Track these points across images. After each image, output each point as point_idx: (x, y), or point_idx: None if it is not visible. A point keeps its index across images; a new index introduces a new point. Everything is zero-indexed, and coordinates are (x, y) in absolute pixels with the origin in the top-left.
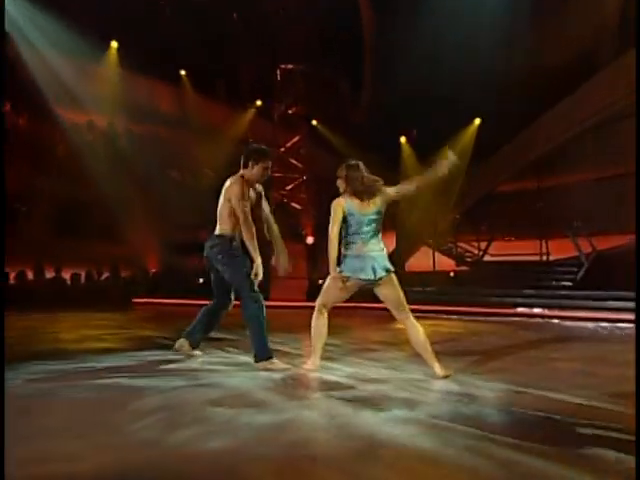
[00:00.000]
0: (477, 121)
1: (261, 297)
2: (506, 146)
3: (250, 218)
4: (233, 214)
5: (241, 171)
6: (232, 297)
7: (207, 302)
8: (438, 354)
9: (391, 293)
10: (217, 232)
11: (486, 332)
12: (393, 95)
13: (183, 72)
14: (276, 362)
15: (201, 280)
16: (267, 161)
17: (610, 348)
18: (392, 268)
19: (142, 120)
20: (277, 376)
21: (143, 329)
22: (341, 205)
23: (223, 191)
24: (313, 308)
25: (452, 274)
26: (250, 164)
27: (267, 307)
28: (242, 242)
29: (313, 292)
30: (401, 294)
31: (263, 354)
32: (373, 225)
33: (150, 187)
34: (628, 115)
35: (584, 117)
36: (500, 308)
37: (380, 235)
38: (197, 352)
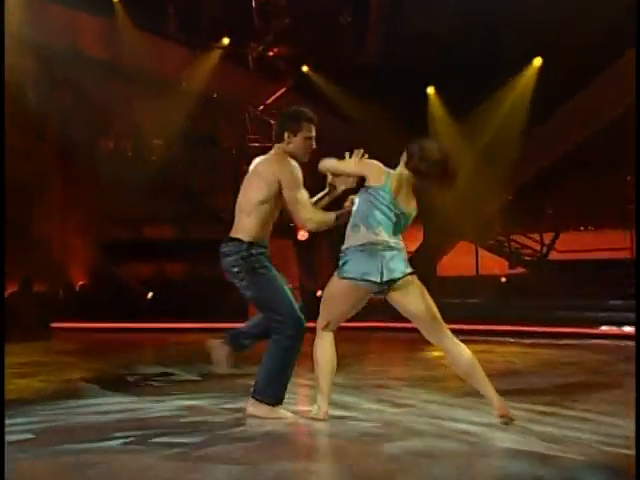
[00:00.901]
0: (538, 61)
1: (302, 323)
2: (578, 96)
3: (311, 208)
4: (270, 208)
5: (274, 148)
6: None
7: (159, 324)
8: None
9: (414, 303)
10: (233, 234)
11: (559, 361)
12: (413, 27)
13: None
14: (282, 412)
15: (150, 294)
16: (309, 127)
17: None
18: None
19: (58, 68)
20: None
21: (67, 368)
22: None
23: (253, 174)
24: (311, 330)
25: (504, 279)
26: (286, 136)
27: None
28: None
29: (307, 306)
30: (432, 305)
31: (271, 394)
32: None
33: (73, 164)
34: None
35: None
36: (576, 327)
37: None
38: (233, 370)
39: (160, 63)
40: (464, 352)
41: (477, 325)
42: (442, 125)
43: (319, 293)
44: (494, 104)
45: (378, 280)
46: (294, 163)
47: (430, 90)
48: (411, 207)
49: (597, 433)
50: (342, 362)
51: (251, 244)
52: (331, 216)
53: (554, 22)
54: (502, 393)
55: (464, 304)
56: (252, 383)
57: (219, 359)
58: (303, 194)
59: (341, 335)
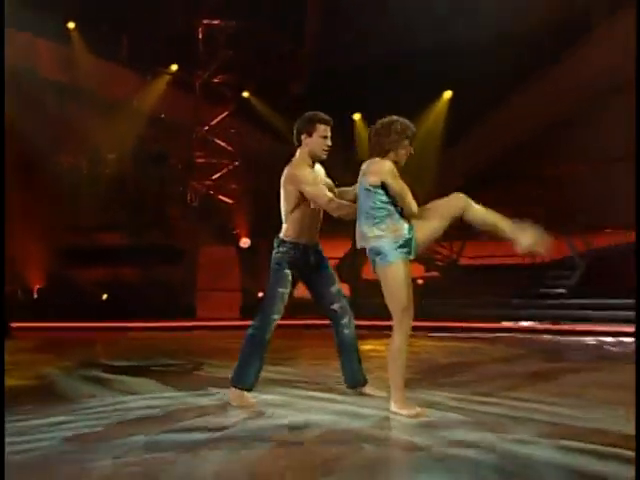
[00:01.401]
0: (447, 94)
1: (272, 323)
2: (484, 124)
3: (330, 198)
4: (301, 210)
5: (297, 153)
6: (339, 302)
7: (114, 323)
8: (412, 381)
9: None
10: (279, 234)
11: (473, 352)
12: (343, 61)
13: (72, 25)
14: (249, 399)
15: (105, 296)
16: (321, 127)
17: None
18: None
19: (18, 88)
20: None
21: (37, 365)
22: None
23: (282, 183)
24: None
25: (420, 281)
26: (303, 138)
27: (190, 328)
28: (307, 249)
29: (249, 308)
30: None
31: (239, 381)
32: None
33: (33, 177)
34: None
35: (571, 87)
36: (482, 322)
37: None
38: (370, 390)
39: (113, 86)
40: (391, 345)
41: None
42: (366, 148)
43: (260, 294)
44: (419, 130)
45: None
46: (304, 167)
47: (356, 116)
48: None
49: (540, 412)
50: (281, 356)
51: (282, 242)
52: (353, 206)
53: (462, 57)
54: (422, 380)
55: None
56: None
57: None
58: (318, 189)
59: (276, 332)
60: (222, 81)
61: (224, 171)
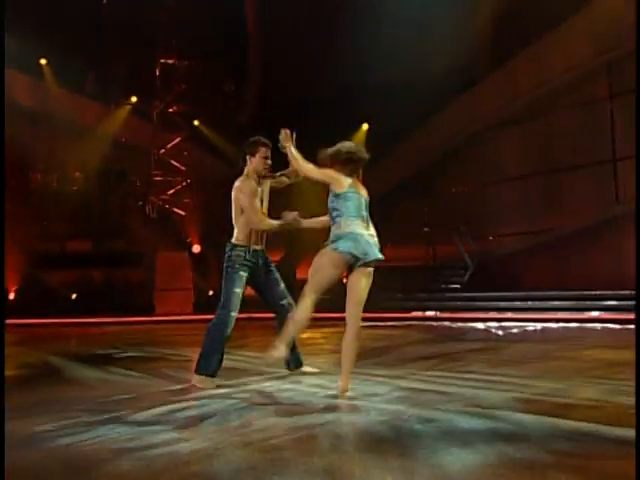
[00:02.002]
0: (365, 126)
1: (230, 319)
2: (390, 153)
3: (259, 213)
4: (241, 220)
5: (244, 170)
6: (285, 299)
7: (82, 319)
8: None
9: (367, 284)
10: (231, 240)
11: (391, 337)
12: (281, 95)
13: (44, 61)
14: (211, 382)
15: (74, 296)
16: (262, 149)
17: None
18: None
19: None
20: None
21: (28, 354)
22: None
23: (232, 194)
24: (203, 321)
25: (345, 280)
26: (248, 159)
27: (150, 322)
28: (255, 253)
29: (201, 304)
30: (365, 294)
31: (204, 369)
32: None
33: (8, 191)
34: (507, 123)
35: (462, 127)
36: (397, 312)
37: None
38: (308, 368)
39: (80, 114)
40: (347, 335)
41: (328, 314)
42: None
43: (210, 292)
44: None
45: (360, 258)
46: (249, 181)
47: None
48: (366, 192)
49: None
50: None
51: (235, 246)
52: (274, 223)
53: (378, 94)
54: (377, 363)
55: (320, 299)
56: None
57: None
58: (253, 203)
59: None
60: (176, 111)
61: (178, 187)
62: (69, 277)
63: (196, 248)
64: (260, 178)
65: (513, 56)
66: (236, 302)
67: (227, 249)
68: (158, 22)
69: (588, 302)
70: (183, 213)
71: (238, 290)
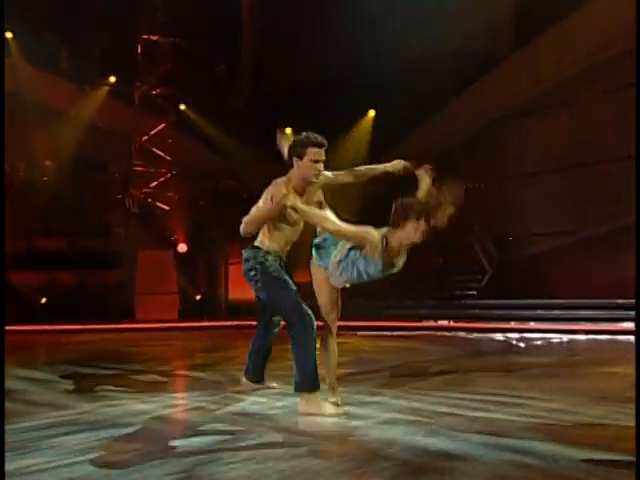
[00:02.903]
0: (371, 113)
1: (312, 320)
2: (403, 141)
3: (263, 222)
4: (279, 225)
5: (289, 173)
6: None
7: (51, 326)
8: (348, 375)
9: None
10: (255, 243)
11: (395, 348)
12: (280, 79)
13: (10, 35)
14: (321, 401)
15: (44, 300)
16: (315, 149)
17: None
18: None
19: None
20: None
21: None
22: None
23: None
24: (189, 329)
25: (347, 285)
26: (295, 162)
27: (129, 330)
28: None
29: (187, 310)
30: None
31: (308, 383)
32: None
33: None
34: (528, 111)
35: (477, 116)
36: (404, 321)
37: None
38: (274, 384)
39: (52, 95)
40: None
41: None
42: None
43: (198, 297)
44: (343, 143)
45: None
46: (279, 187)
47: (288, 131)
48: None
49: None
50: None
51: (267, 252)
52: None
53: (385, 79)
54: (357, 374)
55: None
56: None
57: (249, 387)
58: (259, 208)
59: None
60: (160, 93)
61: (162, 179)
62: (37, 279)
63: (182, 247)
64: (306, 185)
65: (536, 36)
66: (299, 305)
67: (255, 254)
68: None
69: (620, 311)
70: (167, 208)
71: (292, 289)
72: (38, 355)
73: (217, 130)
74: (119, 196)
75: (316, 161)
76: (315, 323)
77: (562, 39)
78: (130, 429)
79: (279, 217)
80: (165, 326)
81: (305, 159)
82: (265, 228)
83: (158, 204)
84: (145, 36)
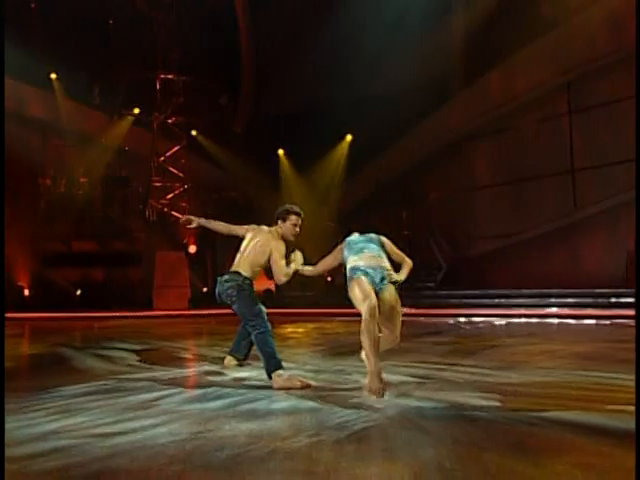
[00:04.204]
0: (349, 137)
1: (267, 325)
2: (371, 162)
3: (284, 270)
4: (262, 265)
5: (275, 227)
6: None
7: (85, 313)
8: (325, 351)
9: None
10: (235, 268)
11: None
12: (274, 108)
13: (54, 76)
14: (292, 377)
15: (79, 292)
16: (294, 218)
17: (469, 338)
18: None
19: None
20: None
21: (41, 340)
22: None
23: (260, 239)
24: (198, 316)
25: (330, 279)
26: (280, 222)
27: (150, 317)
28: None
29: (196, 300)
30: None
31: (276, 367)
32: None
33: (20, 195)
34: (478, 135)
35: (437, 139)
36: None
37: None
38: (249, 362)
39: (87, 124)
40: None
41: (313, 309)
42: (288, 176)
43: (204, 289)
44: (324, 163)
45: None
46: (282, 242)
47: (280, 152)
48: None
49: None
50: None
51: (246, 278)
52: (290, 272)
53: (361, 108)
54: (329, 350)
55: (304, 296)
56: None
57: (232, 366)
58: (282, 260)
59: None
60: (175, 122)
61: (176, 192)
62: (73, 275)
63: (192, 248)
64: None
65: (483, 74)
66: (264, 314)
67: (236, 278)
68: (159, 40)
69: (549, 299)
70: (180, 216)
71: (260, 306)
72: (76, 335)
73: (222, 151)
74: (140, 206)
75: (295, 225)
76: (267, 326)
77: (505, 76)
78: (153, 394)
79: (266, 262)
80: (178, 313)
81: (288, 222)
82: (249, 263)
83: (173, 213)
84: (162, 75)
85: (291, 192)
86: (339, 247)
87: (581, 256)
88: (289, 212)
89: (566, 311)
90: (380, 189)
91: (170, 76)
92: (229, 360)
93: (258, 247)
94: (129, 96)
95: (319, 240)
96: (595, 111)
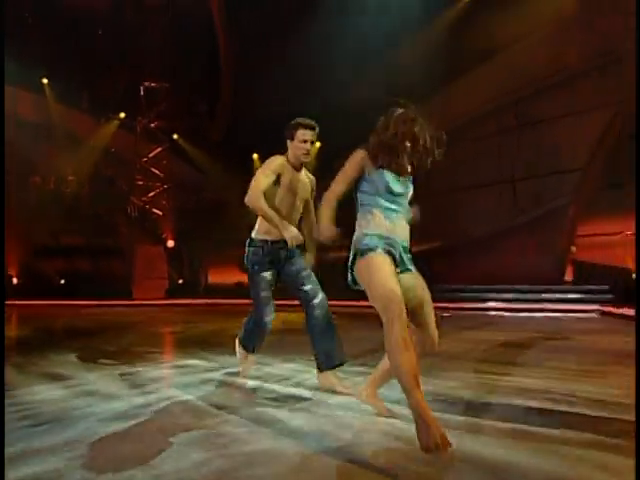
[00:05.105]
0: (317, 144)
1: (266, 328)
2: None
3: (258, 192)
4: (274, 204)
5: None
6: (310, 285)
7: (68, 301)
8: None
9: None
10: (251, 233)
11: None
12: (250, 116)
13: (45, 81)
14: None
15: (62, 281)
16: (302, 131)
17: None
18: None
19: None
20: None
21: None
22: None
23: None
24: (174, 305)
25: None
26: (288, 144)
27: (129, 306)
28: (275, 245)
29: (172, 291)
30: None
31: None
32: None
33: (11, 192)
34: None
35: None
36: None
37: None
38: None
39: (75, 126)
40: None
41: (285, 300)
42: None
43: (180, 281)
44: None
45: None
46: (279, 160)
47: (255, 156)
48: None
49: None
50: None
51: (251, 241)
52: (271, 214)
53: (329, 122)
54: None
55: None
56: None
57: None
58: (260, 177)
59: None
60: (157, 126)
61: (157, 191)
62: (60, 266)
63: (170, 243)
64: (301, 167)
65: (429, 97)
66: (265, 307)
67: (246, 244)
68: (144, 50)
69: (491, 294)
70: (160, 213)
71: (264, 294)
72: (61, 322)
73: (201, 154)
74: (124, 204)
75: (304, 141)
76: (267, 331)
77: (467, 88)
78: (137, 368)
79: (272, 197)
80: (156, 303)
81: (296, 139)
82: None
83: (154, 210)
84: (146, 83)
85: (264, 193)
86: (356, 159)
87: (523, 256)
88: (295, 126)
89: (503, 305)
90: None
91: (154, 84)
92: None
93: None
94: (115, 102)
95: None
96: (534, 127)
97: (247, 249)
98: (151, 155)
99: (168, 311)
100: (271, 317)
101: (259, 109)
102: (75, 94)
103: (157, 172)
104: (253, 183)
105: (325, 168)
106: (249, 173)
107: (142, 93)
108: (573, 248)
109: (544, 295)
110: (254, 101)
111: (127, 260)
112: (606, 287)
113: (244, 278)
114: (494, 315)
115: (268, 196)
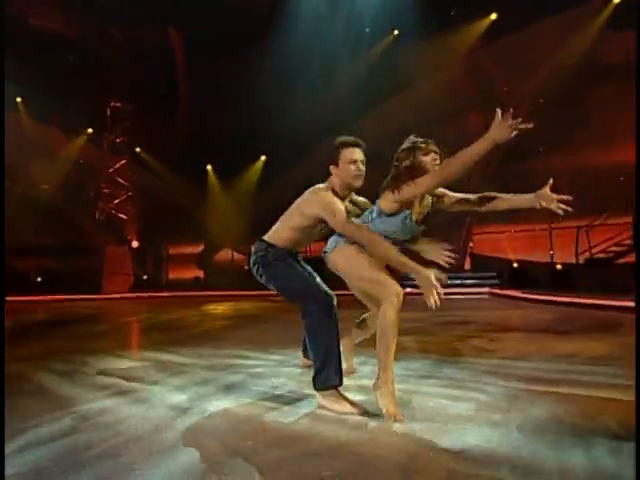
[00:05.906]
0: (263, 158)
1: (329, 300)
2: (277, 180)
3: (369, 233)
4: (298, 227)
5: (327, 182)
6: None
7: (45, 297)
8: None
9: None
10: (265, 237)
11: (272, 308)
12: (203, 134)
13: (19, 99)
14: (342, 400)
15: (39, 279)
16: (349, 151)
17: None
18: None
19: None
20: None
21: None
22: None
23: (299, 201)
24: (138, 299)
25: (246, 267)
26: (332, 170)
27: (99, 299)
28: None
29: (137, 286)
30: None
31: (325, 382)
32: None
33: None
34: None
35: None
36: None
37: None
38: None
39: (47, 140)
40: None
41: (234, 291)
42: (214, 188)
43: (145, 277)
44: (246, 178)
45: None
46: (325, 195)
47: (209, 167)
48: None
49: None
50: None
51: (271, 246)
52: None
53: (273, 138)
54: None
55: (229, 279)
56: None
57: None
58: (341, 214)
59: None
60: (122, 141)
61: (122, 198)
62: (34, 264)
63: (135, 244)
64: (344, 196)
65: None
66: (315, 288)
67: (260, 247)
68: (110, 73)
69: (407, 281)
70: (125, 217)
71: (302, 271)
72: (39, 315)
73: (161, 165)
74: (93, 209)
75: (354, 161)
76: (330, 305)
77: (381, 118)
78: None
79: (306, 227)
80: (122, 296)
81: (340, 163)
82: (280, 228)
83: (119, 214)
84: (113, 102)
85: (216, 200)
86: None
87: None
88: (337, 147)
89: (417, 290)
90: (283, 203)
91: (119, 104)
92: (304, 360)
93: (293, 210)
94: (84, 118)
95: (238, 239)
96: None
97: (267, 249)
98: (116, 166)
99: (134, 303)
100: (333, 295)
101: (212, 122)
102: (47, 111)
103: (122, 181)
104: (339, 217)
105: (267, 176)
106: (204, 182)
107: (108, 112)
108: (471, 243)
109: (450, 281)
110: (208, 115)
111: (97, 259)
112: (494, 274)
113: (201, 274)
114: (410, 299)
115: (300, 227)
